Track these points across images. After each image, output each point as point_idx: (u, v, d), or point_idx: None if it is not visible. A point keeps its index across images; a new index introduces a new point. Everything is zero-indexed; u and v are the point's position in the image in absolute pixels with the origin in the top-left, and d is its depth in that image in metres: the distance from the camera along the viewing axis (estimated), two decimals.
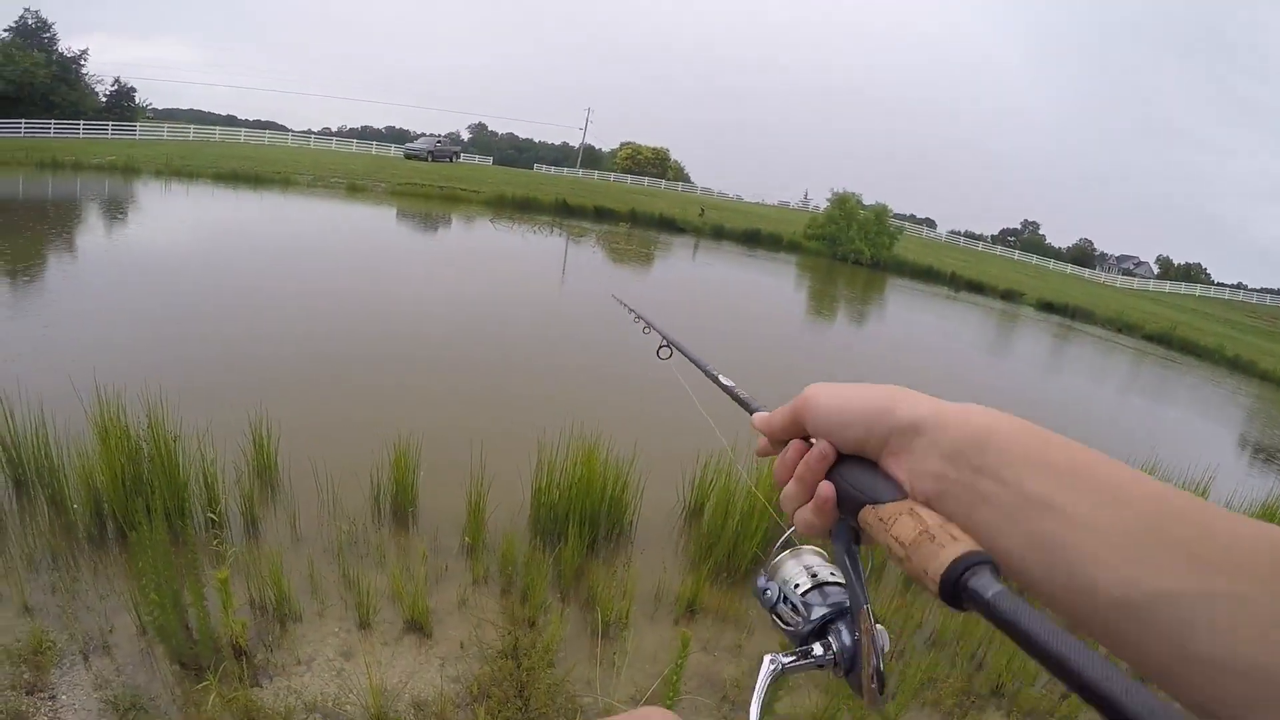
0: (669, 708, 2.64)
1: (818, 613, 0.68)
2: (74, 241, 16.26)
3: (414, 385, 8.80)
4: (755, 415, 0.77)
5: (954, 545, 0.48)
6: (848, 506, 0.60)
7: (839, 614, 0.67)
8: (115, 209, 22.66)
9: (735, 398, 0.98)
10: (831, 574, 0.71)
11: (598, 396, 8.93)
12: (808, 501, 0.64)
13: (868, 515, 0.57)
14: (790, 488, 0.66)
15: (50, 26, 50.49)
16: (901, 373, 13.96)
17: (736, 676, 4.07)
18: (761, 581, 0.74)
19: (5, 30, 48.50)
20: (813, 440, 0.66)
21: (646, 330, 2.18)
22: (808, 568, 0.72)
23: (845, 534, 0.62)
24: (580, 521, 5.12)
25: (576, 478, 5.35)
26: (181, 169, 32.72)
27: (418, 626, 4.13)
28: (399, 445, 5.46)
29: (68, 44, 52.25)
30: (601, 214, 39.57)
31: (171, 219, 22.14)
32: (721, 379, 1.07)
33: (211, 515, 4.77)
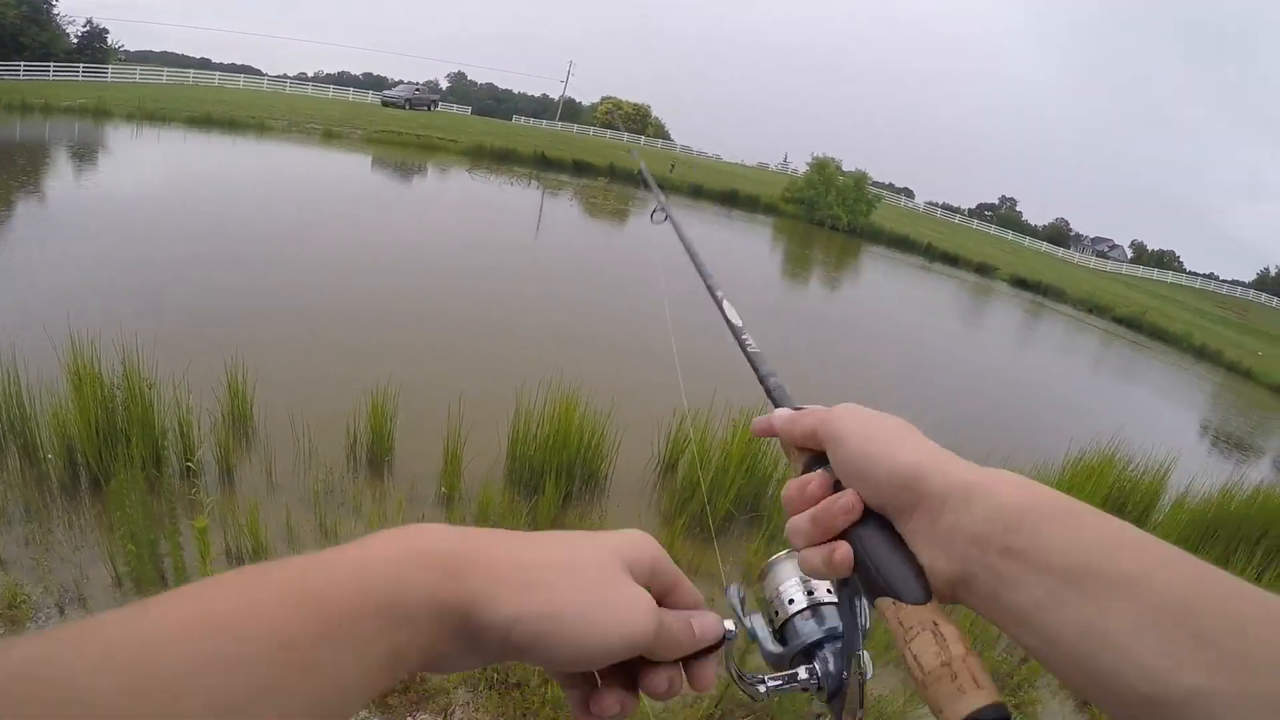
0: None
1: (812, 637, 0.64)
2: (44, 187, 15.77)
3: (391, 336, 8.75)
4: (778, 414, 0.68)
5: (975, 694, 0.45)
6: (866, 581, 0.55)
7: (829, 638, 0.63)
8: (86, 153, 22.15)
9: (754, 365, 0.86)
10: (829, 591, 0.65)
11: (575, 352, 8.92)
12: (818, 544, 0.58)
13: (886, 608, 0.52)
14: (803, 523, 0.59)
15: None
16: (875, 341, 14.06)
17: None
18: (732, 591, 0.69)
19: None
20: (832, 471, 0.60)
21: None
22: (805, 581, 0.66)
23: (852, 588, 0.58)
24: (556, 473, 5.17)
25: (554, 430, 5.39)
26: (154, 113, 31.90)
27: None
28: (375, 395, 5.48)
29: None
30: (580, 168, 39.10)
31: (145, 164, 21.65)
32: (747, 342, 0.91)
33: (189, 464, 4.73)
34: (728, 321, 0.95)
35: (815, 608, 0.65)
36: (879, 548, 0.55)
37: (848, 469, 0.58)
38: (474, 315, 10.44)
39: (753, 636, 0.67)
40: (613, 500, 5.64)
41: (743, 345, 0.89)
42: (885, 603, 0.52)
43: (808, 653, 0.63)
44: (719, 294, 1.05)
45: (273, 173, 23.44)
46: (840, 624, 0.62)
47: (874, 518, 0.56)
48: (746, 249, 25.93)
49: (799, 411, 0.67)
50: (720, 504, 5.28)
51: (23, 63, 41.91)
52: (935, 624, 0.50)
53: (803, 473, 0.63)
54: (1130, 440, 7.94)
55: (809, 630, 0.64)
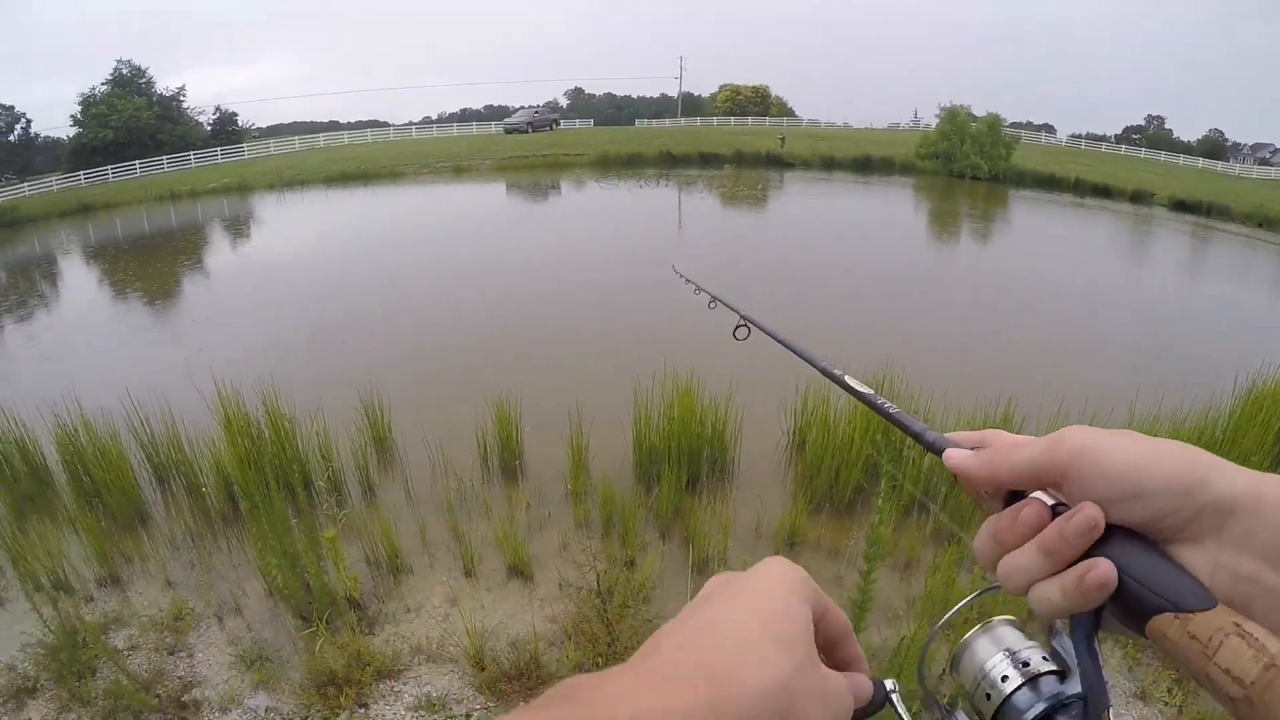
0: None
1: (1035, 710, 0.52)
2: (194, 259, 17.70)
3: (518, 348, 9.11)
4: (949, 454, 0.59)
5: None
6: (1125, 605, 0.47)
7: (1058, 707, 0.52)
8: (235, 225, 24.42)
9: (901, 425, 0.74)
10: (1044, 659, 0.55)
11: (695, 345, 8.94)
12: (1050, 575, 0.50)
13: (1165, 625, 0.44)
14: (1026, 557, 0.51)
15: (145, 72, 53.51)
16: (1034, 292, 13.27)
17: None
18: (890, 685, 0.56)
19: (103, 84, 51.63)
20: (1050, 497, 0.52)
21: (713, 305, 2.10)
22: (1012, 653, 0.55)
23: (1086, 622, 0.49)
24: (678, 461, 5.20)
25: (673, 418, 5.44)
26: (292, 179, 34.46)
27: (519, 571, 4.36)
28: (499, 404, 5.73)
29: (165, 84, 55.33)
30: (706, 159, 38.73)
31: (288, 225, 23.75)
32: (885, 405, 0.80)
33: (321, 483, 5.19)
34: (856, 393, 0.88)
35: (1033, 680, 0.54)
36: (1143, 557, 0.47)
37: (1103, 489, 0.49)
38: (604, 319, 10.66)
39: None
40: (739, 483, 5.61)
41: (882, 409, 0.79)
42: (1164, 621, 0.44)
43: None
44: (836, 371, 0.99)
45: (407, 212, 24.94)
46: (1064, 690, 0.53)
47: (1118, 532, 0.48)
48: (883, 215, 24.85)
49: (994, 447, 0.58)
50: (849, 476, 5.17)
51: (165, 157, 45.96)
52: (1237, 625, 0.42)
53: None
54: None
55: (1027, 702, 0.53)
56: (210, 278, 15.99)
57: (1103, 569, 0.46)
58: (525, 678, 3.47)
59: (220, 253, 19.41)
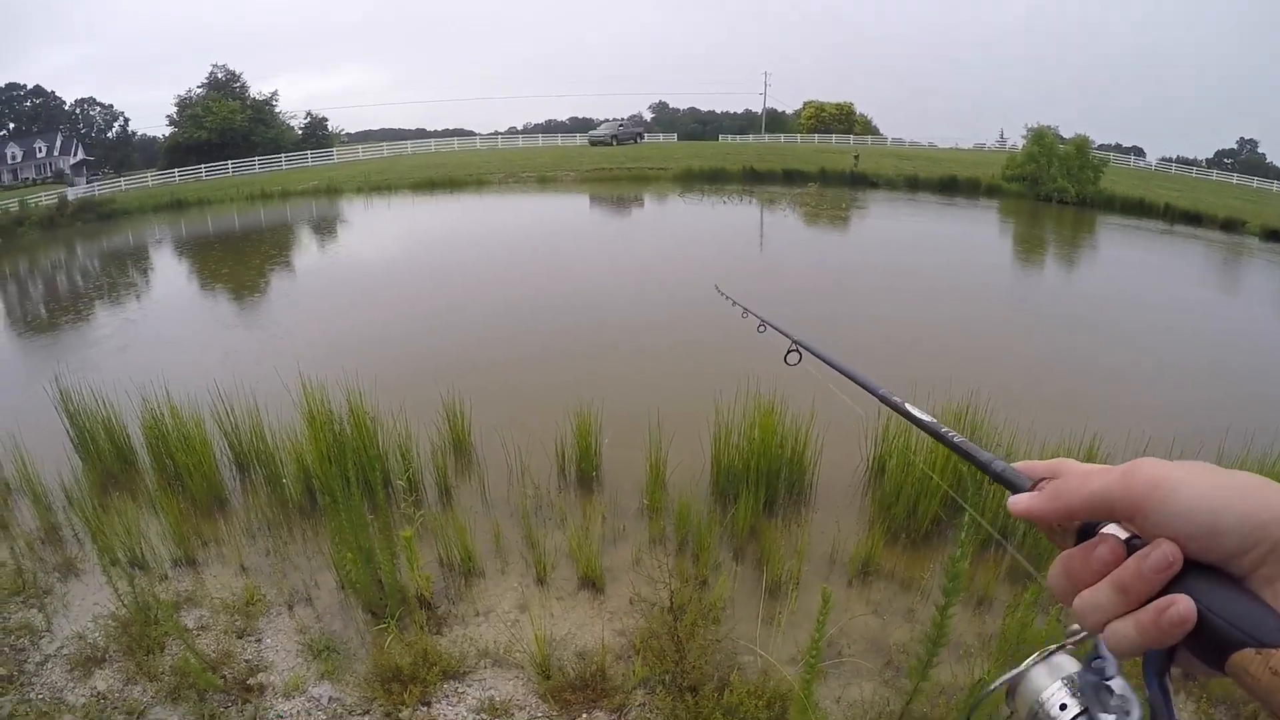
0: (812, 667, 2.53)
1: None
2: (283, 256, 18.26)
3: (600, 358, 9.16)
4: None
5: None
6: (1204, 641, 0.46)
7: None
8: (320, 227, 25.14)
9: (966, 454, 0.74)
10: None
11: (776, 361, 8.82)
12: (1125, 613, 0.49)
13: (1247, 661, 0.43)
14: (1103, 594, 0.50)
15: (239, 76, 56.70)
16: (1120, 327, 12.80)
17: (904, 642, 3.91)
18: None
19: (199, 87, 54.67)
20: (1124, 530, 0.52)
21: (762, 329, 2.05)
22: (1071, 682, 0.54)
23: (1159, 659, 0.49)
24: (755, 482, 5.10)
25: (753, 439, 5.34)
26: (380, 184, 35.42)
27: (591, 583, 4.30)
28: (580, 413, 5.70)
29: (258, 89, 57.89)
30: (790, 176, 38.26)
31: (374, 229, 24.33)
32: (949, 434, 0.79)
33: (400, 482, 5.22)
34: (918, 421, 0.87)
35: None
36: (1223, 592, 0.46)
37: (1179, 525, 0.48)
38: (685, 331, 10.54)
39: None
40: (816, 507, 5.48)
41: (945, 438, 0.79)
42: (1246, 657, 0.43)
43: None
44: (895, 399, 0.99)
45: (489, 221, 25.31)
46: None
47: (1194, 568, 0.47)
48: (968, 239, 24.06)
49: (1064, 477, 0.57)
50: (927, 507, 5.01)
51: (257, 158, 47.81)
52: None
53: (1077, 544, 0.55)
54: None
55: None
56: (297, 276, 16.52)
57: (1182, 607, 0.46)
58: (590, 689, 3.40)
59: (309, 252, 20.07)
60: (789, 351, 1.63)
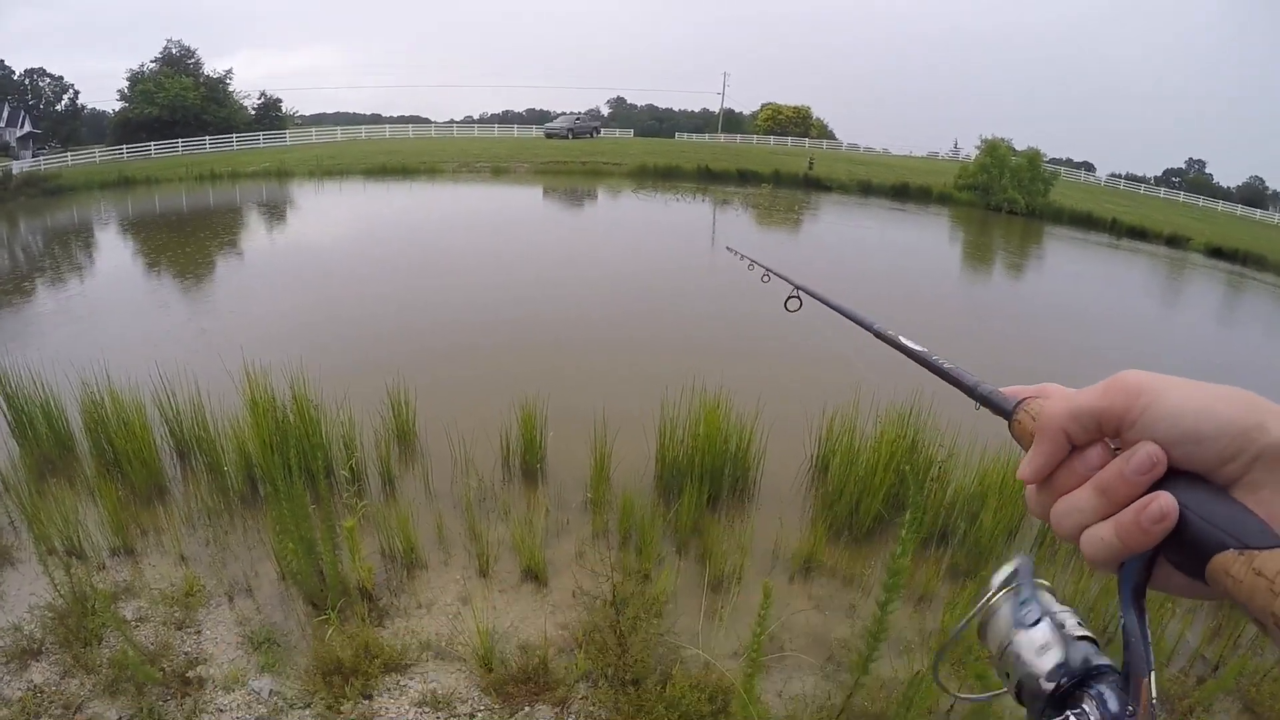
0: (754, 661, 2.59)
1: (1068, 677, 0.49)
2: (230, 239, 18.06)
3: (547, 351, 9.12)
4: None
5: None
6: (1186, 543, 0.45)
7: (1091, 674, 0.48)
8: (272, 210, 24.62)
9: (957, 382, 0.75)
10: (1079, 624, 0.51)
11: (724, 359, 8.88)
12: (1104, 519, 0.49)
13: (1229, 563, 0.42)
14: (1082, 498, 0.50)
15: (194, 52, 54.65)
16: (1072, 331, 13.07)
17: (846, 638, 3.99)
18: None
19: (153, 61, 52.86)
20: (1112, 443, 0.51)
21: (766, 278, 2.16)
22: (1049, 614, 0.52)
23: (1136, 573, 0.48)
24: (700, 477, 5.15)
25: (698, 435, 5.39)
26: (332, 168, 34.84)
27: (534, 576, 4.32)
28: (525, 406, 5.69)
29: (213, 66, 56.36)
30: (744, 177, 38.50)
31: (324, 214, 23.95)
32: (940, 362, 0.81)
33: (343, 472, 5.16)
34: (911, 352, 0.90)
35: (1068, 643, 0.50)
36: (1205, 495, 0.46)
37: (1163, 430, 0.47)
38: (635, 327, 10.65)
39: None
40: (759, 504, 5.54)
41: (937, 367, 0.81)
42: (1227, 559, 0.42)
43: (1060, 701, 0.49)
44: (890, 333, 1.04)
45: (442, 210, 25.04)
46: (1100, 658, 0.49)
47: (1178, 475, 0.47)
48: (917, 245, 24.42)
49: (1050, 398, 0.57)
50: (869, 505, 5.10)
51: (208, 137, 46.77)
52: None
53: None
54: None
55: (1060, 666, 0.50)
56: (244, 259, 16.18)
57: (1163, 500, 0.45)
58: (532, 682, 3.43)
59: (256, 236, 19.67)
60: (789, 298, 1.70)
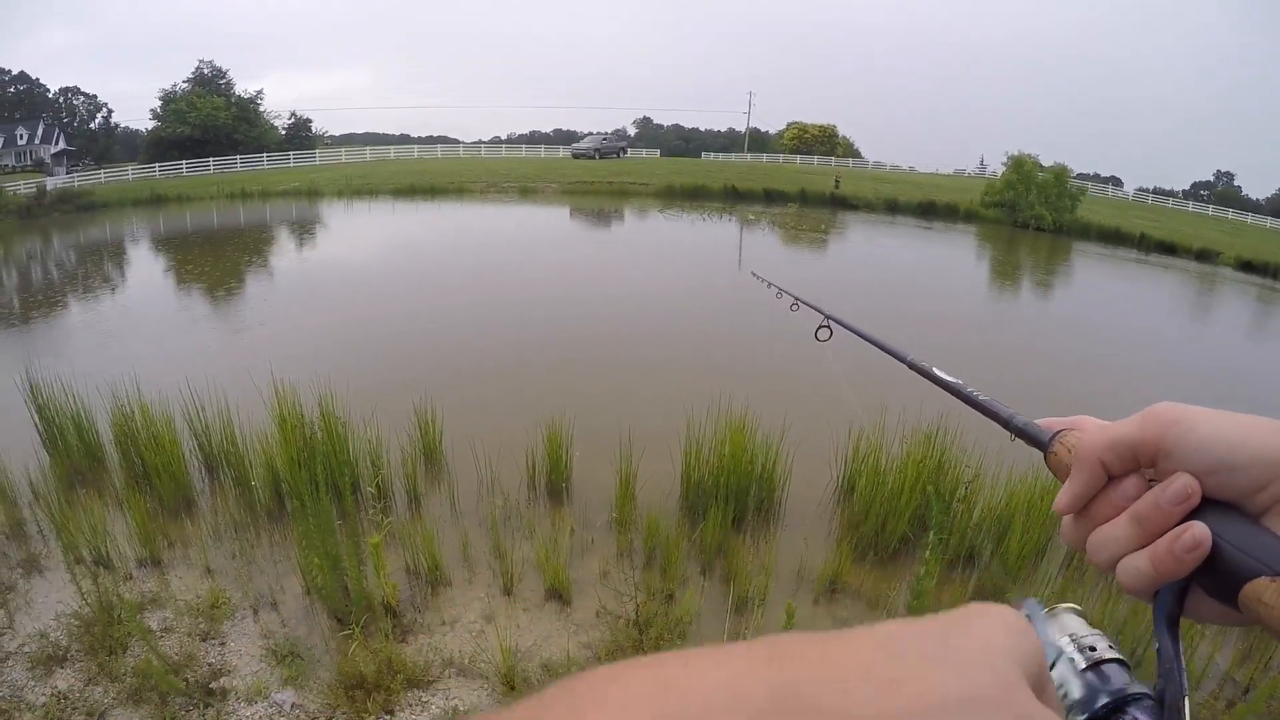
0: None
1: (1098, 702, 0.46)
2: (261, 257, 18.29)
3: (575, 370, 9.15)
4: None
5: None
6: (1219, 572, 0.45)
7: (1127, 701, 0.46)
8: (299, 228, 25.04)
9: (992, 413, 0.76)
10: (1110, 647, 0.49)
11: (750, 379, 8.85)
12: (1140, 548, 0.49)
13: (1262, 590, 0.43)
14: (1118, 528, 0.51)
15: (225, 73, 56.23)
16: (1096, 350, 12.91)
17: None
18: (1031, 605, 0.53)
19: (185, 81, 54.16)
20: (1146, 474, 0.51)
21: (795, 307, 2.14)
22: (1075, 638, 0.50)
23: (1170, 601, 0.48)
24: (725, 498, 5.12)
25: (723, 455, 5.37)
26: (361, 188, 35.32)
27: (558, 595, 4.30)
28: (551, 425, 5.70)
29: (244, 86, 57.62)
30: (771, 196, 38.69)
31: (353, 233, 24.36)
32: (974, 394, 0.82)
33: (370, 489, 5.21)
34: (945, 384, 0.91)
35: (1098, 666, 0.48)
36: (1237, 524, 0.46)
37: (1198, 460, 0.48)
38: (661, 347, 10.62)
39: None
40: (785, 525, 5.50)
41: (971, 398, 0.82)
42: (1260, 585, 0.42)
43: None
44: (924, 364, 1.04)
45: (470, 229, 25.24)
46: (1130, 684, 0.47)
47: (1211, 505, 0.47)
48: (944, 263, 24.18)
49: (1084, 430, 0.58)
50: (895, 526, 5.05)
51: (239, 156, 47.57)
52: None
53: None
54: None
55: (1094, 691, 0.47)
56: (274, 277, 16.41)
57: (1197, 529, 0.46)
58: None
59: (286, 254, 19.94)
60: (820, 327, 1.69)
